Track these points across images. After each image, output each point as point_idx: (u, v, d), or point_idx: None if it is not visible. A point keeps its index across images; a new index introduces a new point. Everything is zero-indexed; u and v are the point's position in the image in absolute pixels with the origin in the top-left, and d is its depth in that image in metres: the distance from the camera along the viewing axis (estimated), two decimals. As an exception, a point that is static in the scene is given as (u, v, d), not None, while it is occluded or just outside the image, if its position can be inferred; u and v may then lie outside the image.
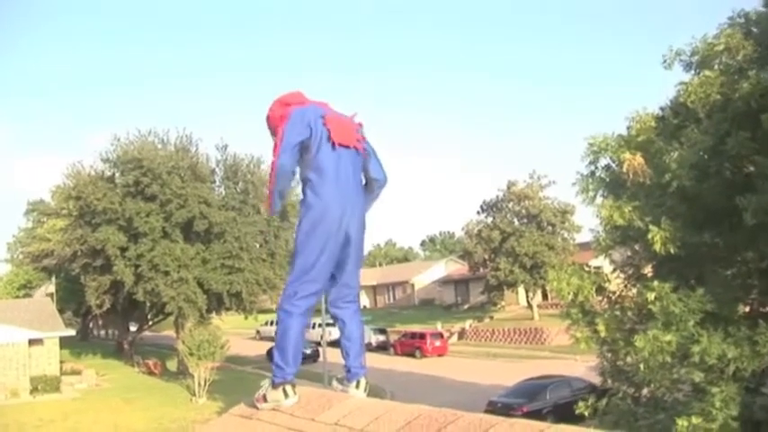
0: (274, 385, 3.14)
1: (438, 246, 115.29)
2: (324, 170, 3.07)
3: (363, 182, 3.28)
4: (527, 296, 51.74)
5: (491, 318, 54.08)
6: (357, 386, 3.25)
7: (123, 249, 37.15)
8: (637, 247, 12.99)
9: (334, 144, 3.09)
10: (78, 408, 29.79)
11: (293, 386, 3.13)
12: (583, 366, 25.48)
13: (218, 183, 41.84)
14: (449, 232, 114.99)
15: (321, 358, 36.78)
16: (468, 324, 52.85)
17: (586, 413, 12.18)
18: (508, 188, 51.39)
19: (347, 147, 3.14)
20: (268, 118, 3.31)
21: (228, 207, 39.00)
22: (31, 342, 33.60)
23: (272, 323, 52.62)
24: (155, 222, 36.59)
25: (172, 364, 43.28)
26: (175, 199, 36.43)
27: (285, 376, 3.12)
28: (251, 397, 3.30)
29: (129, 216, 36.34)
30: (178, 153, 38.83)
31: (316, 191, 3.07)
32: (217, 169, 41.52)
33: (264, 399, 3.17)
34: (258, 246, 40.65)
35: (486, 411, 22.06)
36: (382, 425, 2.54)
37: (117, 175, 39.34)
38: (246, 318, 42.89)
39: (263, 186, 40.75)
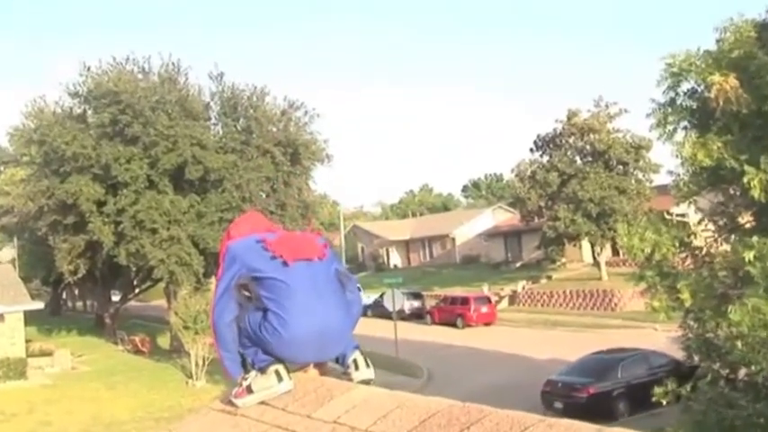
0: (261, 369, 3.21)
1: (483, 191, 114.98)
2: (282, 295, 3.19)
3: (339, 286, 3.41)
4: (593, 251, 51.48)
5: (549, 278, 54.05)
6: (357, 367, 3.34)
7: (100, 203, 37.43)
8: (731, 190, 12.70)
9: (286, 262, 3.23)
10: (49, 397, 30.18)
11: (286, 368, 3.21)
12: (664, 337, 25.34)
13: (213, 120, 41.81)
14: (496, 175, 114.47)
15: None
16: (520, 286, 52.91)
17: (664, 401, 12.01)
18: (568, 119, 50.70)
19: (308, 260, 3.30)
20: (221, 246, 3.57)
21: (227, 149, 39.01)
22: None
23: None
24: (138, 170, 36.76)
25: (163, 341, 43.93)
26: (162, 141, 36.48)
27: (266, 358, 3.21)
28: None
29: (105, 163, 36.50)
30: (163, 85, 38.76)
31: (280, 320, 3.17)
32: (212, 104, 41.46)
33: (249, 390, 3.22)
34: (264, 195, 40.77)
35: (544, 393, 22.25)
36: (391, 424, 2.50)
37: (89, 112, 39.41)
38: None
39: (269, 124, 40.71)
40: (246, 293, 3.29)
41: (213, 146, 38.36)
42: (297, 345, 3.18)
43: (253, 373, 3.27)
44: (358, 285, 3.72)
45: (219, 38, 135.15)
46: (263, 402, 3.15)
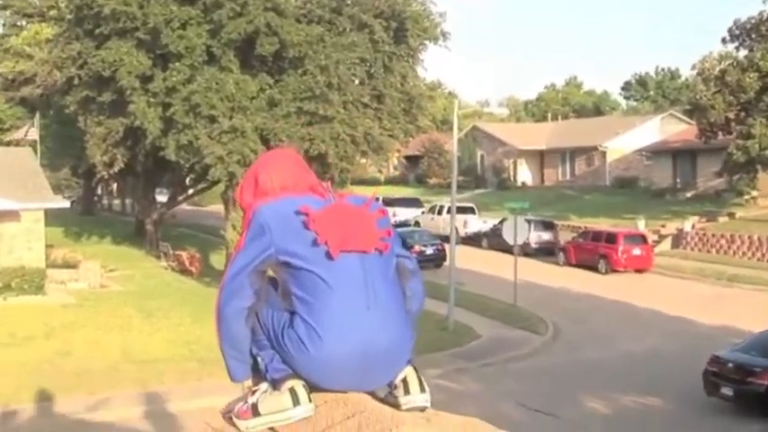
0: (275, 383, 3.17)
1: (651, 92, 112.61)
2: (319, 298, 3.09)
3: (399, 288, 3.32)
4: (795, 184, 50.05)
5: (731, 216, 52.79)
6: (407, 389, 3.23)
7: (145, 79, 37.92)
8: None
9: (330, 255, 3.09)
10: (71, 320, 31.17)
11: (305, 387, 3.14)
12: None
13: (296, -22, 41.51)
14: (670, 70, 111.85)
15: (447, 262, 37.24)
16: (689, 223, 51.86)
17: None
18: (779, 0, 48.75)
19: (361, 252, 3.16)
20: (242, 190, 3.53)
21: (312, 18, 38.80)
22: (1, 215, 34.43)
23: (439, 210, 53.59)
24: (195, 38, 36.90)
25: (217, 259, 44.88)
26: (228, 2, 36.50)
27: (284, 368, 3.17)
28: None
29: (154, 26, 36.80)
30: None
31: (311, 332, 3.08)
32: (296, -45, 41.10)
33: (255, 411, 3.19)
34: (357, 82, 40.56)
35: (708, 373, 21.84)
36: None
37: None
38: (335, 192, 43.65)
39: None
40: (272, 276, 3.22)
41: (294, 13, 38.16)
42: (329, 368, 3.08)
43: (263, 385, 3.22)
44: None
45: None
46: (272, 429, 3.13)
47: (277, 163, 3.48)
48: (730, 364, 21.71)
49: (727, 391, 21.22)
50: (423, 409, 3.17)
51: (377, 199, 3.54)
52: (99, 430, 20.08)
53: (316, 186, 3.36)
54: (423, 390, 3.21)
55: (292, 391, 3.08)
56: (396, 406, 3.16)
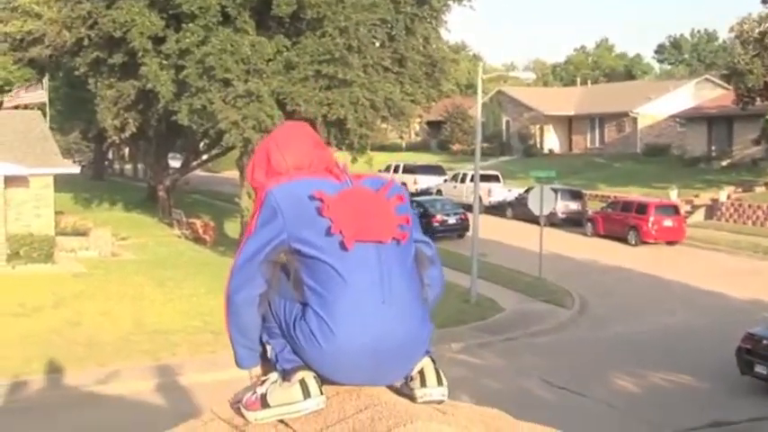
0: (285, 374, 3.14)
1: (686, 55, 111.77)
2: (332, 291, 3.06)
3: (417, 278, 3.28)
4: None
5: None
6: (423, 382, 3.20)
7: (157, 40, 37.80)
8: None
9: (344, 245, 3.05)
10: (81, 289, 31.28)
11: (316, 378, 3.11)
12: None
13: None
14: (707, 32, 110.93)
15: (470, 232, 37.24)
16: (725, 193, 51.57)
17: None
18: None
19: (378, 242, 3.11)
20: (252, 169, 3.47)
21: (331, -23, 38.58)
22: (9, 181, 34.49)
23: (462, 178, 53.69)
24: (210, -3, 36.81)
25: (232, 228, 44.97)
26: (243, -40, 36.38)
27: (294, 359, 3.14)
28: None
29: (167, -15, 36.69)
30: None
31: (323, 326, 3.05)
32: None
33: (264, 402, 3.16)
34: (378, 45, 40.33)
35: (742, 350, 21.71)
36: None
37: None
38: (355, 160, 43.60)
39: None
40: (284, 263, 3.16)
41: (312, -29, 37.93)
42: (340, 364, 3.06)
43: (273, 375, 3.19)
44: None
45: None
46: (281, 421, 3.09)
47: (291, 141, 3.42)
48: (765, 342, 21.60)
49: (761, 369, 21.07)
50: (439, 403, 3.17)
51: (395, 168, 3.48)
52: (109, 403, 20.17)
53: (332, 167, 3.30)
54: (440, 383, 3.19)
55: (303, 383, 3.06)
56: (411, 398, 3.15)
